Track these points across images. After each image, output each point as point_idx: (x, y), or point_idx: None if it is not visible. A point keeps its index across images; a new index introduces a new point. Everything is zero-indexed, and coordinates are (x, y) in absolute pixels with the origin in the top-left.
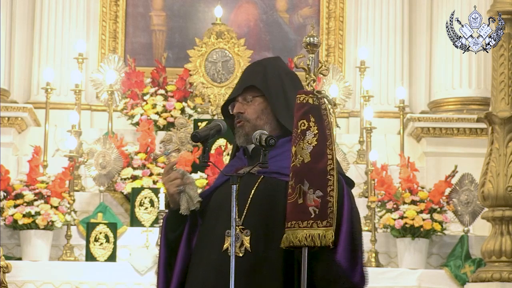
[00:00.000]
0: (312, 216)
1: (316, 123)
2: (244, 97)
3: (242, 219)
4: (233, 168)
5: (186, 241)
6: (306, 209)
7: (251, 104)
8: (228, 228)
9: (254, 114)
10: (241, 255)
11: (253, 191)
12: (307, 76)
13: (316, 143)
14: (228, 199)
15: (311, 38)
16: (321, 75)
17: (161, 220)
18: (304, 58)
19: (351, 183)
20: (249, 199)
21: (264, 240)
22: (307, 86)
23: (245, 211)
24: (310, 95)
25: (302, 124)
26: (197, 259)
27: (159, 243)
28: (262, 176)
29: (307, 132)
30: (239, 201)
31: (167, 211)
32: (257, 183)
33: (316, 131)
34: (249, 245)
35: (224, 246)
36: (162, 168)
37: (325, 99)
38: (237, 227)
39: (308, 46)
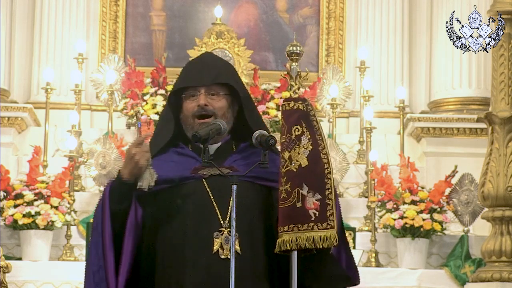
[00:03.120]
0: (313, 218)
1: (308, 129)
2: (210, 90)
3: (226, 222)
4: (187, 167)
5: (134, 219)
6: (306, 212)
7: (217, 100)
8: (214, 230)
9: (221, 111)
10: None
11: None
12: (292, 83)
13: (311, 147)
14: (206, 198)
15: (294, 47)
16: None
17: None
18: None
19: None
20: (230, 202)
21: (250, 244)
22: (292, 94)
23: (228, 214)
24: (300, 102)
25: (296, 130)
26: (176, 260)
27: (96, 215)
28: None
29: (301, 137)
30: (219, 204)
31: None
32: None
33: (309, 136)
34: (239, 248)
35: (214, 248)
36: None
37: (311, 106)
38: (224, 230)
39: (292, 55)
